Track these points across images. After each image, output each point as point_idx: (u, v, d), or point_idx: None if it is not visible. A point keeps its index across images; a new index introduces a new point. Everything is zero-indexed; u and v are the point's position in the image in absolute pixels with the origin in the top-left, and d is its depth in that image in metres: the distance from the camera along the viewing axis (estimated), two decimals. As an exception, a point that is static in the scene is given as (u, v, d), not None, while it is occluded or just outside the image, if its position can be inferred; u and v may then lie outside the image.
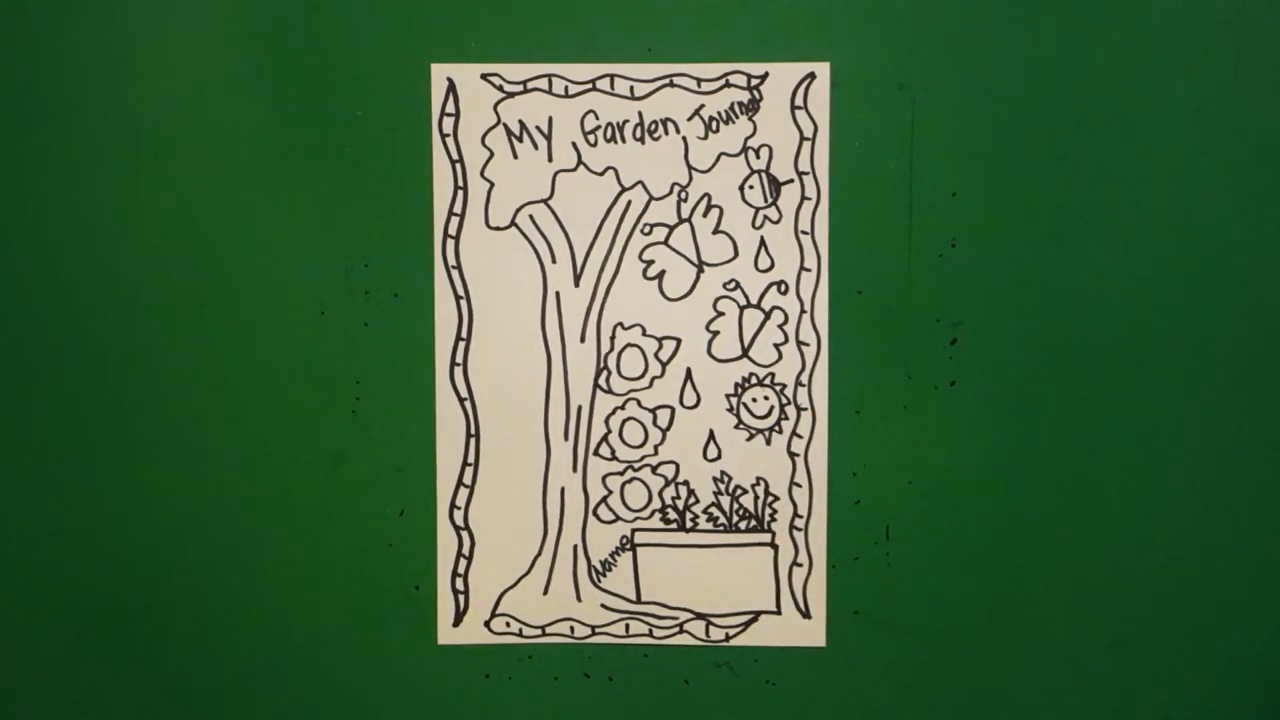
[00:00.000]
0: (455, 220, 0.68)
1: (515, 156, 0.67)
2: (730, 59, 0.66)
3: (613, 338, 0.68)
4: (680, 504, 0.69)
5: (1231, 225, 0.65)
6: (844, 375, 0.68)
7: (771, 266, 0.68)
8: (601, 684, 0.70)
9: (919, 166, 0.66)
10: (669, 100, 0.67)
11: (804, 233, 0.67)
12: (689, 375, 0.68)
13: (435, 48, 0.66)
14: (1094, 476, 0.67)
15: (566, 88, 0.67)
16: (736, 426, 0.68)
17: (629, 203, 0.68)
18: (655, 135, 0.67)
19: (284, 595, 0.70)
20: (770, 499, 0.69)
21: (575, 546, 0.70)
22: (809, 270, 0.67)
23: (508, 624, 0.70)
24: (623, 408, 0.69)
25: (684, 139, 0.67)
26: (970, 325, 0.67)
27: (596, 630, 0.70)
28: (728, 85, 0.67)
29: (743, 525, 0.69)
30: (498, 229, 0.68)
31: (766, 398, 0.68)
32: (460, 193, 0.68)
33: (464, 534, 0.70)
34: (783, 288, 0.68)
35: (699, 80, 0.67)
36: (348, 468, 0.69)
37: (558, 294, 0.68)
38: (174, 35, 0.67)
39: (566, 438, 0.69)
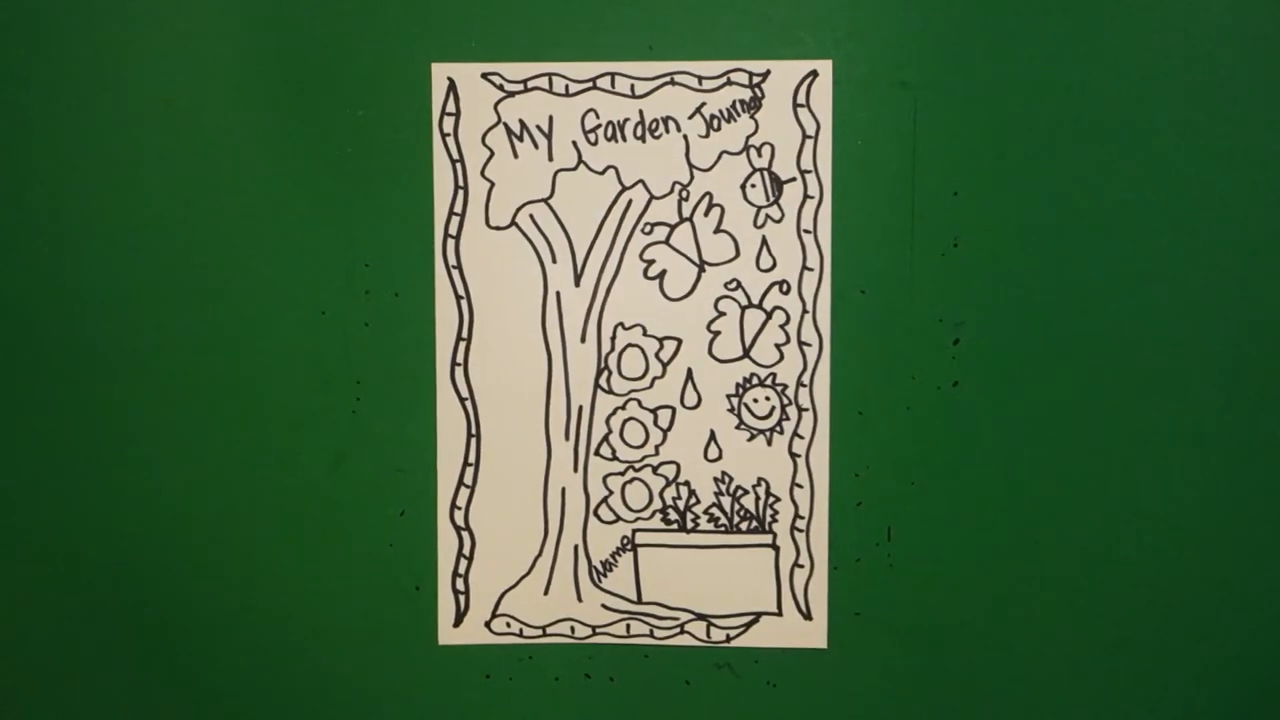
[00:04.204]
0: (456, 220, 0.68)
1: (516, 156, 0.67)
2: (732, 57, 0.66)
3: (613, 338, 0.68)
4: (681, 504, 0.69)
5: (1233, 224, 0.65)
6: (846, 375, 0.67)
7: (773, 266, 0.67)
8: (602, 684, 0.70)
9: (921, 165, 0.66)
10: (670, 98, 0.66)
11: (806, 232, 0.67)
12: (690, 375, 0.68)
13: (435, 47, 0.66)
14: (1096, 477, 0.67)
15: (567, 86, 0.67)
16: (738, 427, 0.68)
17: (630, 202, 0.67)
18: (656, 134, 0.67)
19: (284, 595, 0.70)
20: (771, 500, 0.68)
21: (576, 547, 0.70)
22: (811, 270, 0.67)
23: (508, 624, 0.70)
24: (623, 408, 0.69)
25: (685, 137, 0.67)
26: (973, 325, 0.66)
27: (597, 630, 0.70)
28: (729, 83, 0.66)
29: (744, 526, 0.69)
30: (498, 228, 0.68)
31: (768, 398, 0.68)
32: (461, 192, 0.67)
33: (465, 534, 0.70)
34: (784, 287, 0.67)
35: (700, 78, 0.66)
36: (348, 468, 0.69)
37: (558, 294, 0.68)
38: (174, 35, 0.66)
39: (567, 438, 0.69)
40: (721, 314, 0.68)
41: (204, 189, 0.67)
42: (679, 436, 0.68)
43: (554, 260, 0.68)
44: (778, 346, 0.68)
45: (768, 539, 0.69)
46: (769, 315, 0.68)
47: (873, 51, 0.65)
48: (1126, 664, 0.68)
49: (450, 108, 0.67)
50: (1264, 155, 0.64)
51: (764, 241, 0.67)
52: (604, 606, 0.70)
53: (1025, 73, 0.65)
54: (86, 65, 0.67)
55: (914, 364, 0.67)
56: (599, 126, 0.67)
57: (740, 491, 0.69)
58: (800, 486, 0.68)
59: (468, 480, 0.69)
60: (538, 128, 0.67)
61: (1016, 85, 0.65)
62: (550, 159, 0.67)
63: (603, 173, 0.67)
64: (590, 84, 0.66)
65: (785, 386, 0.68)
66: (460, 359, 0.69)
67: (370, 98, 0.66)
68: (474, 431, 0.69)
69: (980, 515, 0.67)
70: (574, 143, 0.67)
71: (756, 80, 0.66)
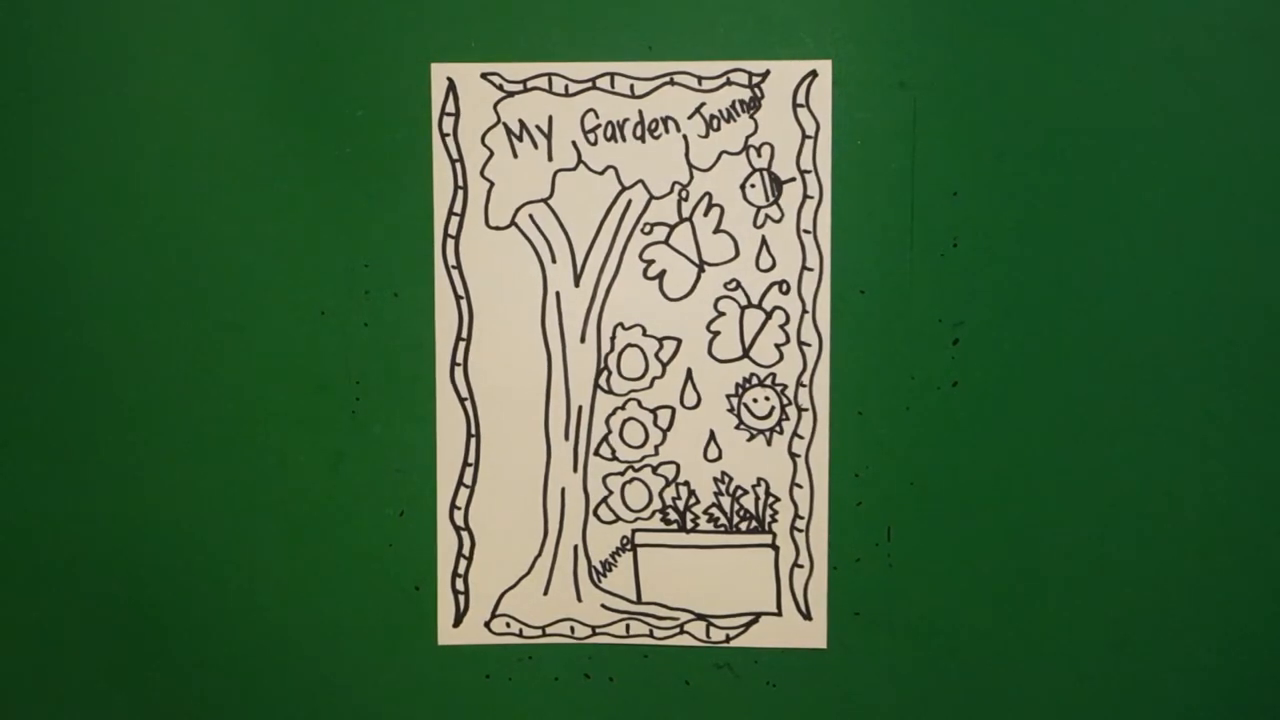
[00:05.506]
0: (455, 220, 0.68)
1: (515, 156, 0.67)
2: (731, 57, 0.66)
3: (613, 338, 0.68)
4: (681, 504, 0.69)
5: (1233, 224, 0.65)
6: (845, 376, 0.67)
7: (773, 266, 0.67)
8: (602, 684, 0.70)
9: (921, 165, 0.66)
10: (669, 98, 0.67)
11: (806, 232, 0.67)
12: (690, 375, 0.68)
13: (435, 47, 0.66)
14: (1095, 477, 0.67)
15: (566, 86, 0.67)
16: (737, 427, 0.68)
17: (629, 202, 0.67)
18: (656, 134, 0.67)
19: (284, 596, 0.70)
20: (771, 500, 0.68)
21: (575, 547, 0.70)
22: (810, 270, 0.67)
23: (508, 624, 0.70)
24: (623, 408, 0.69)
25: (685, 137, 0.67)
26: (972, 325, 0.66)
27: (597, 631, 0.70)
28: (729, 83, 0.66)
29: (743, 526, 0.69)
30: (498, 229, 0.68)
31: (767, 398, 0.68)
32: (460, 192, 0.67)
33: (464, 534, 0.70)
34: (784, 287, 0.67)
35: (700, 78, 0.66)
36: (348, 468, 0.69)
37: (558, 294, 0.68)
38: (174, 35, 0.66)
39: (567, 438, 0.69)
40: (721, 314, 0.68)
41: (204, 189, 0.67)
42: (679, 436, 0.68)
43: (554, 260, 0.68)
44: (777, 346, 0.68)
45: (767, 539, 0.69)
46: (769, 315, 0.68)
47: (872, 51, 0.65)
48: (1126, 664, 0.68)
49: (450, 108, 0.67)
50: (1264, 155, 0.64)
51: (764, 241, 0.67)
52: (604, 606, 0.70)
53: (1025, 73, 0.65)
54: (86, 65, 0.67)
55: (914, 364, 0.67)
56: (599, 126, 0.67)
57: (740, 491, 0.69)
58: (800, 486, 0.68)
59: (467, 480, 0.69)
60: (537, 128, 0.67)
61: (1015, 85, 0.65)
62: (550, 159, 0.67)
63: (602, 173, 0.67)
64: (590, 84, 0.66)
65: (785, 386, 0.68)
66: (460, 359, 0.69)
67: (370, 98, 0.66)
68: (474, 431, 0.69)
69: (980, 515, 0.67)
70: (574, 143, 0.67)
71: (756, 80, 0.66)
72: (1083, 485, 0.67)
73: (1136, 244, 0.65)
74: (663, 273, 0.68)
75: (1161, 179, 0.65)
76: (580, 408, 0.69)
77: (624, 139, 0.67)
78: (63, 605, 0.71)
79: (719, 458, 0.68)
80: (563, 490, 0.69)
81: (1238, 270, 0.65)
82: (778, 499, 0.68)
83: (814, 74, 0.66)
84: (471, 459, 0.69)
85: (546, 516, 0.69)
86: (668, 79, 0.66)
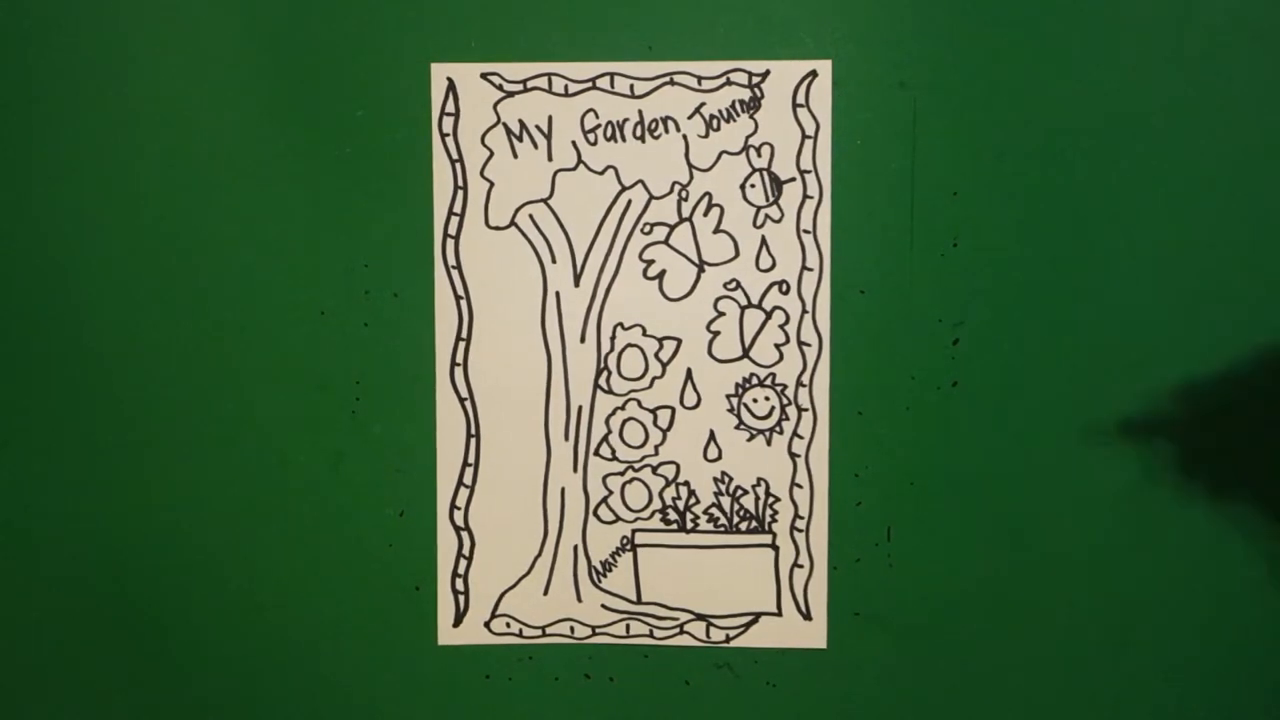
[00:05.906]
0: (455, 220, 0.68)
1: (515, 156, 0.67)
2: (731, 57, 0.66)
3: (613, 338, 0.68)
4: (681, 504, 0.69)
5: (1233, 224, 0.65)
6: (845, 376, 0.67)
7: (773, 266, 0.67)
8: (602, 684, 0.70)
9: (921, 165, 0.66)
10: (669, 98, 0.67)
11: (805, 232, 0.67)
12: (689, 375, 0.68)
13: (435, 47, 0.66)
14: (1095, 477, 0.67)
15: (566, 86, 0.67)
16: (737, 427, 0.68)
17: (629, 202, 0.67)
18: (656, 134, 0.67)
19: (284, 595, 0.70)
20: (771, 500, 0.68)
21: (575, 547, 0.70)
22: (810, 270, 0.67)
23: (508, 624, 0.70)
24: (623, 408, 0.69)
25: (684, 137, 0.67)
26: (972, 325, 0.66)
27: (597, 631, 0.70)
28: (729, 83, 0.66)
29: (743, 526, 0.69)
30: (498, 229, 0.68)
31: (767, 398, 0.68)
32: (460, 192, 0.67)
33: (464, 534, 0.70)
34: (784, 287, 0.67)
35: (700, 78, 0.66)
36: (348, 468, 0.69)
37: (558, 294, 0.68)
38: (174, 35, 0.66)
39: (567, 438, 0.69)
40: (721, 314, 0.68)
41: (204, 189, 0.67)
42: (679, 436, 0.68)
43: (553, 260, 0.68)
44: (777, 346, 0.68)
45: (767, 539, 0.69)
46: (769, 315, 0.68)
47: (872, 51, 0.65)
48: (1126, 664, 0.68)
49: (450, 108, 0.67)
50: (1264, 154, 0.64)
51: (764, 241, 0.67)
52: (604, 606, 0.70)
53: (1025, 73, 0.65)
54: (86, 65, 0.67)
55: (914, 364, 0.67)
56: (598, 126, 0.67)
57: (740, 491, 0.69)
58: (800, 486, 0.68)
59: (467, 480, 0.69)
60: (537, 128, 0.67)
61: (1015, 85, 0.65)
62: (550, 159, 0.67)
63: (602, 173, 0.67)
64: (590, 84, 0.66)
65: (785, 386, 0.68)
66: (460, 359, 0.69)
67: (370, 98, 0.66)
68: (474, 431, 0.69)
69: (979, 515, 0.67)
70: (573, 143, 0.67)
71: (756, 80, 0.66)
72: (1082, 485, 0.67)
73: (1136, 243, 0.65)
74: (663, 273, 0.68)
75: (1161, 179, 0.65)
76: (580, 408, 0.69)
77: (624, 139, 0.67)
78: (62, 605, 0.71)
79: (719, 458, 0.68)
80: (563, 490, 0.69)
81: (1238, 269, 0.65)
82: (778, 499, 0.68)
83: (814, 74, 0.66)
84: (471, 459, 0.69)
85: (546, 516, 0.69)
86: (668, 79, 0.66)
